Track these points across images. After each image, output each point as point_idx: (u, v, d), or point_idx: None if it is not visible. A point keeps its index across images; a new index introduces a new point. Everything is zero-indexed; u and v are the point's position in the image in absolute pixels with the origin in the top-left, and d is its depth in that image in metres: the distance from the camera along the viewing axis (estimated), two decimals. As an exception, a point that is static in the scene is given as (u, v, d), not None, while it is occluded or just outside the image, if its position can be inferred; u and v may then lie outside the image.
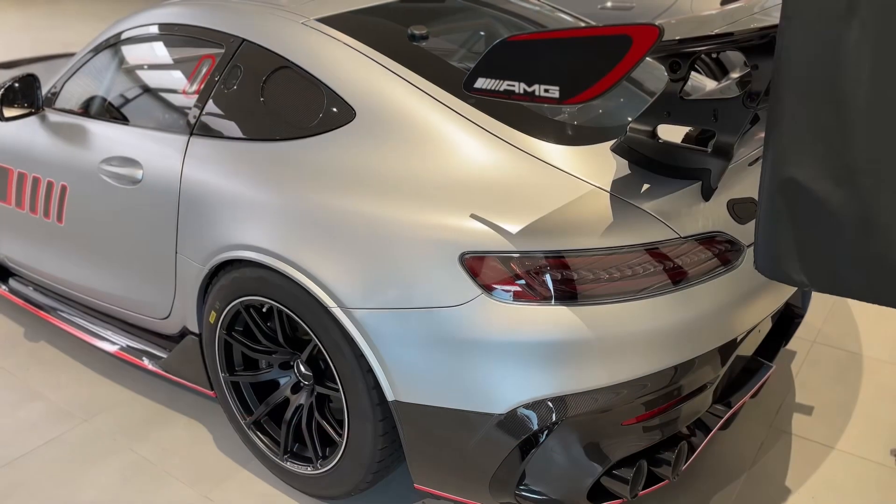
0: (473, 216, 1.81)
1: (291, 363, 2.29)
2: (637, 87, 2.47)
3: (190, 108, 2.41)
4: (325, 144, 2.07)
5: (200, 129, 2.34)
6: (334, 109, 2.10)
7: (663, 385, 1.84)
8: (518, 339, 1.75)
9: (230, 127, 2.30)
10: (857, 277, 1.61)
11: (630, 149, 1.96)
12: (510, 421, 1.80)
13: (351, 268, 1.90)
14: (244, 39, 2.36)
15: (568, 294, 1.75)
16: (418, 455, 1.97)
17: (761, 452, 2.45)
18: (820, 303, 3.33)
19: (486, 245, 1.77)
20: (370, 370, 1.94)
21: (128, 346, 2.75)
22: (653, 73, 2.54)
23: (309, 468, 2.22)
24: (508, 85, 1.54)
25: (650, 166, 1.94)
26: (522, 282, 1.75)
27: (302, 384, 2.29)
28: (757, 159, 2.10)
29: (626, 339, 1.77)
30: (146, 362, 2.66)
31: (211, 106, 2.36)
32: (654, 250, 1.80)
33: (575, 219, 1.81)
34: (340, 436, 2.10)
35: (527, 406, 1.78)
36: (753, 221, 1.96)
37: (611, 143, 1.98)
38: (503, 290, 1.76)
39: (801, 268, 1.68)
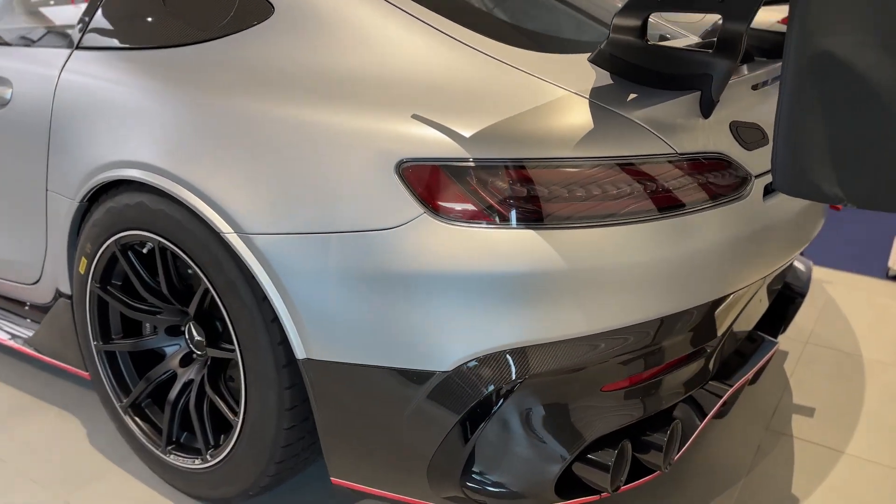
0: (416, 117, 1.38)
1: (182, 327, 1.80)
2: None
3: (76, 20, 1.96)
4: (232, 45, 1.64)
5: (86, 43, 1.90)
6: (248, 6, 1.68)
7: (650, 341, 1.42)
8: (470, 270, 1.31)
9: (121, 35, 1.86)
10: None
11: (613, 57, 1.56)
12: (456, 382, 1.35)
13: (253, 183, 1.45)
14: (147, -63, 1.94)
15: (534, 214, 1.33)
16: (335, 435, 1.50)
17: (759, 456, 2.04)
18: (809, 301, 2.99)
19: (430, 152, 1.34)
20: (275, 319, 1.48)
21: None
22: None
23: (197, 461, 1.72)
24: None
25: (638, 76, 1.54)
26: (477, 198, 1.33)
27: (194, 355, 1.80)
28: (763, 83, 1.74)
29: (605, 275, 1.34)
30: (9, 340, 2.13)
31: (100, 15, 1.91)
32: (642, 165, 1.40)
33: (544, 124, 1.40)
34: (236, 415, 1.61)
35: (479, 361, 1.34)
36: (760, 149, 1.59)
37: (588, 55, 1.59)
38: (452, 207, 1.33)
39: (836, 177, 1.29)
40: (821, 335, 2.73)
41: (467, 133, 1.35)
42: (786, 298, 2.14)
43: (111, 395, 1.86)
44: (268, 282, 1.44)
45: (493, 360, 1.34)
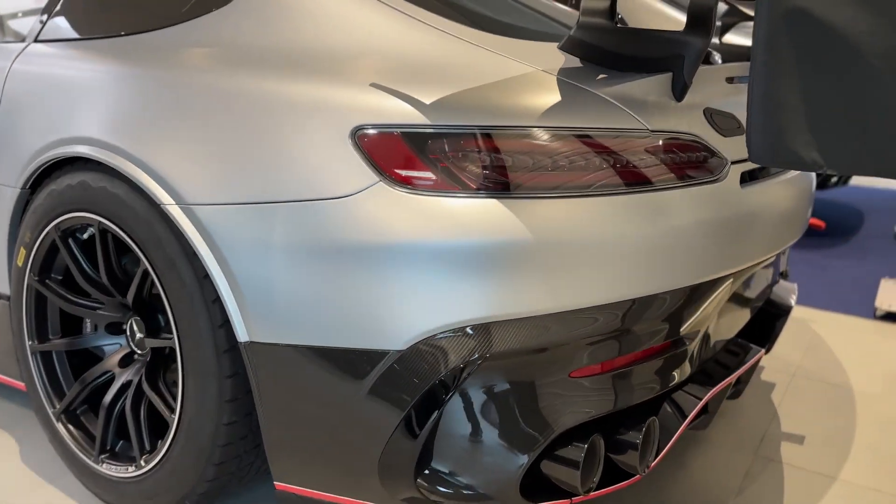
0: (374, 86, 1.31)
1: (124, 325, 1.68)
2: None
3: (36, 15, 1.91)
4: (191, 28, 1.58)
5: (44, 36, 1.84)
6: (206, -9, 1.63)
7: (621, 325, 1.31)
8: (428, 240, 1.22)
9: (79, 26, 1.80)
10: (893, 145, 1.16)
11: (583, 42, 1.51)
12: (410, 363, 1.23)
13: (197, 153, 1.36)
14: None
15: (497, 184, 1.24)
16: (280, 431, 1.36)
17: (748, 481, 1.89)
18: (794, 338, 2.88)
19: (388, 119, 1.26)
20: (216, 299, 1.36)
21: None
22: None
23: (130, 468, 1.56)
24: None
25: (608, 60, 1.48)
26: (437, 166, 1.24)
27: (135, 355, 1.67)
28: (739, 78, 1.69)
29: (572, 249, 1.25)
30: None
31: (60, 9, 1.86)
32: (612, 139, 1.33)
33: (509, 95, 1.34)
34: (173, 412, 1.47)
35: (436, 338, 1.22)
36: (736, 138, 1.53)
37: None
38: (410, 176, 1.24)
39: (814, 142, 1.22)
40: (808, 368, 2.61)
41: (428, 101, 1.28)
42: (770, 315, 2.04)
43: (44, 400, 1.71)
44: (209, 257, 1.33)
45: (451, 337, 1.22)
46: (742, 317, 1.76)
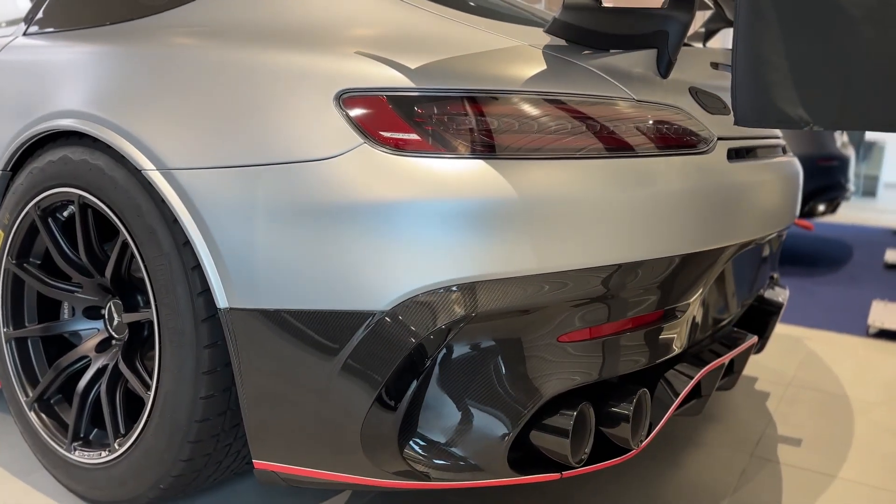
0: (360, 53, 1.31)
1: (102, 309, 1.63)
2: None
3: (27, 9, 1.93)
4: (177, 14, 1.59)
5: (32, 30, 1.84)
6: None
7: (609, 290, 1.28)
8: (411, 200, 1.19)
9: (65, 19, 1.81)
10: (880, 99, 1.16)
11: (568, 25, 1.52)
12: (393, 324, 1.19)
13: (179, 119, 1.35)
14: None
15: (484, 146, 1.23)
16: (259, 404, 1.31)
17: (744, 480, 1.83)
18: (788, 353, 2.85)
19: (373, 82, 1.26)
20: (196, 266, 1.33)
21: None
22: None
23: (104, 453, 1.50)
24: None
25: (594, 41, 1.49)
26: (422, 128, 1.23)
27: (113, 340, 1.62)
28: (724, 65, 1.70)
29: (559, 210, 1.23)
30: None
31: (48, 4, 1.87)
32: (597, 105, 1.32)
33: (495, 63, 1.34)
34: (149, 389, 1.42)
35: (421, 298, 1.19)
36: (722, 116, 1.54)
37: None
38: (394, 138, 1.23)
39: (799, 98, 1.22)
40: (803, 379, 2.57)
41: (413, 65, 1.28)
42: (762, 312, 2.02)
43: (17, 389, 1.65)
44: (189, 222, 1.30)
45: (436, 297, 1.19)
46: (733, 305, 1.73)
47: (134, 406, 1.52)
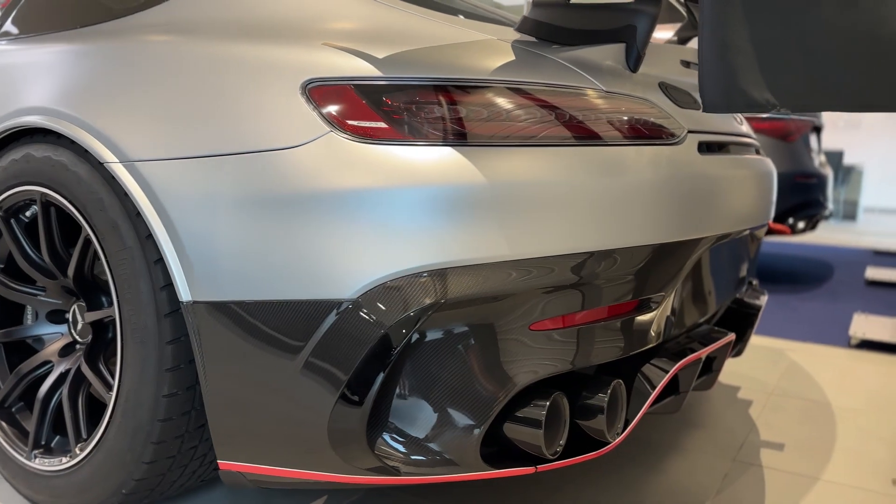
0: (327, 45, 1.30)
1: (66, 313, 1.59)
2: None
3: None
4: (147, 15, 1.58)
5: (1, 37, 1.83)
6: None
7: (580, 277, 1.26)
8: (379, 187, 1.18)
9: (34, 25, 1.80)
10: (843, 79, 1.16)
11: (537, 22, 1.53)
12: (360, 314, 1.17)
13: (142, 111, 1.33)
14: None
15: (453, 133, 1.22)
16: (223, 401, 1.27)
17: (726, 483, 1.80)
18: (771, 364, 2.84)
19: (340, 72, 1.25)
20: (159, 260, 1.30)
21: None
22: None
23: (65, 459, 1.45)
24: None
25: (564, 37, 1.49)
26: (391, 116, 1.22)
27: (77, 344, 1.58)
28: (694, 64, 1.71)
29: (526, 196, 1.21)
30: None
31: (18, 11, 1.87)
32: (566, 95, 1.32)
33: (465, 54, 1.33)
34: (111, 389, 1.37)
35: (388, 285, 1.17)
36: (692, 111, 1.54)
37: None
38: (362, 126, 1.21)
39: (764, 82, 1.22)
40: (786, 388, 2.55)
41: (380, 55, 1.27)
42: (740, 315, 2.00)
43: (-24, 398, 1.60)
44: (152, 214, 1.27)
45: (404, 284, 1.17)
46: (711, 303, 1.72)
47: (97, 411, 1.47)
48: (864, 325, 3.27)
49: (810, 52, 1.17)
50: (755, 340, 3.17)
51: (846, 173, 10.52)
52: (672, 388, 1.56)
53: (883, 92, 1.12)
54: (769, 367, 2.79)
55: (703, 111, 1.29)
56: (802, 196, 4.49)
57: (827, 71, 1.17)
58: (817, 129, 4.94)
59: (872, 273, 4.93)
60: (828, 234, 8.10)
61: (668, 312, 1.48)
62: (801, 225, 4.52)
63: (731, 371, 2.70)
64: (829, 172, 4.94)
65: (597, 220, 1.27)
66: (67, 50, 1.53)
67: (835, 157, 9.97)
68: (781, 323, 3.53)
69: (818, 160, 4.82)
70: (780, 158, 4.42)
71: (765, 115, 4.53)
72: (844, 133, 11.91)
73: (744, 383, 2.57)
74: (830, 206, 4.99)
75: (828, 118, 11.52)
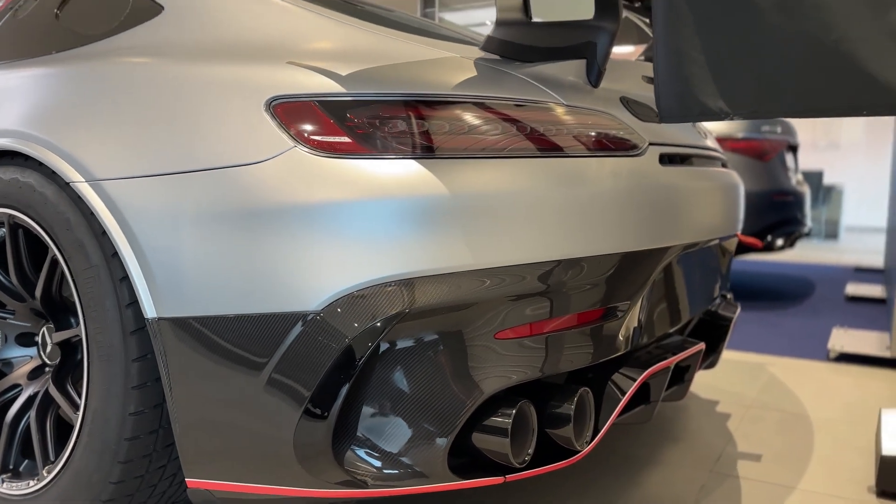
0: (291, 63, 1.33)
1: (36, 336, 1.59)
2: None
3: None
4: (116, 41, 1.60)
5: (-26, 65, 1.85)
6: (138, 9, 1.67)
7: (545, 286, 1.27)
8: (343, 200, 1.19)
9: (9, 51, 1.82)
10: (792, 85, 1.20)
11: (501, 40, 1.57)
12: (324, 326, 1.17)
13: (108, 130, 1.35)
14: (51, -28, 1.98)
15: (416, 147, 1.23)
16: (190, 417, 1.27)
17: (703, 493, 1.80)
18: (750, 378, 2.85)
19: (304, 89, 1.27)
20: (125, 277, 1.30)
21: None
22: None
23: (32, 482, 1.43)
24: None
25: (527, 55, 1.53)
26: (354, 131, 1.23)
27: (46, 366, 1.57)
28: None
29: (488, 206, 1.23)
30: None
31: (-6, 38, 1.89)
32: (528, 108, 1.35)
33: (428, 71, 1.36)
34: (78, 409, 1.37)
35: (353, 296, 1.17)
36: (654, 125, 1.57)
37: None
38: (326, 141, 1.23)
39: (717, 90, 1.25)
40: (764, 401, 2.56)
41: (344, 72, 1.30)
42: (713, 326, 2.02)
43: (-57, 424, 1.58)
44: (117, 232, 1.28)
45: (367, 295, 1.17)
46: (681, 314, 1.73)
47: (66, 434, 1.46)
48: (843, 339, 3.30)
49: (758, 60, 1.21)
50: (735, 356, 3.19)
51: (826, 193, 10.65)
52: (643, 397, 1.57)
53: (828, 96, 1.15)
54: (748, 382, 2.80)
55: (660, 121, 1.32)
56: (780, 214, 4.54)
57: (775, 78, 1.20)
58: (793, 148, 5.02)
59: (852, 289, 4.97)
60: (810, 253, 8.18)
61: (636, 321, 1.49)
62: (779, 242, 4.57)
63: (711, 385, 2.72)
64: (806, 190, 5.01)
65: (560, 229, 1.29)
66: (35, 74, 1.55)
67: (815, 177, 10.11)
68: (762, 338, 3.55)
69: (795, 178, 4.89)
70: (756, 177, 4.49)
71: (741, 136, 4.60)
72: (825, 153, 12.10)
73: (723, 397, 2.58)
74: (809, 223, 5.05)
75: (808, 138, 11.74)
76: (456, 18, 8.25)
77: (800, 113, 1.20)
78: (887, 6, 1.13)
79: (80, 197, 1.33)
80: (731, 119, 1.25)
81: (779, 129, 4.72)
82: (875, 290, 4.91)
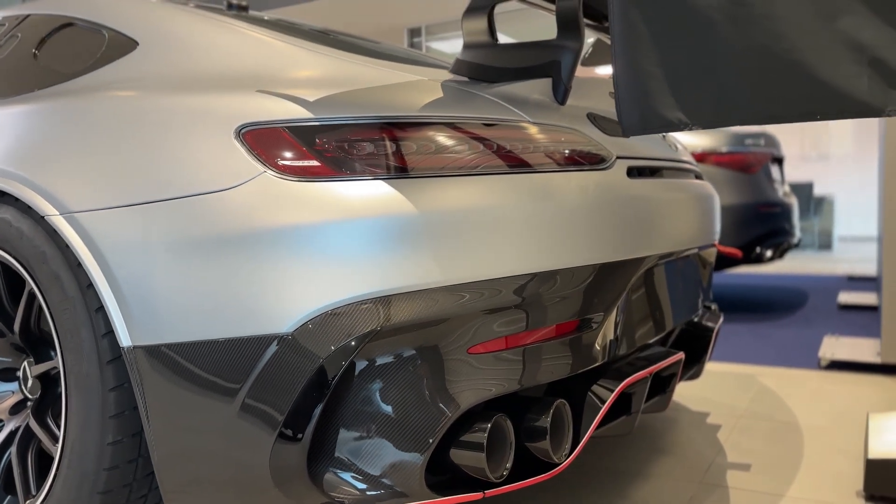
0: (261, 91, 1.36)
1: (17, 371, 1.59)
2: None
3: None
4: (94, 76, 1.64)
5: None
6: (114, 46, 1.71)
7: (517, 300, 1.29)
8: (314, 222, 1.21)
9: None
10: (748, 94, 1.22)
11: (469, 63, 1.60)
12: (296, 348, 1.19)
13: (80, 163, 1.37)
14: (28, 15, 2.02)
15: (385, 168, 1.26)
16: (167, 443, 1.27)
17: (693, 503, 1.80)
18: (741, 388, 2.85)
19: (273, 115, 1.29)
20: (100, 308, 1.32)
21: None
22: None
23: (12, 518, 1.43)
24: None
25: (494, 75, 1.56)
26: (323, 155, 1.26)
27: (28, 400, 1.58)
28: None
29: (463, 220, 1.25)
30: None
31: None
32: (494, 127, 1.37)
33: (396, 94, 1.39)
34: (58, 441, 1.37)
35: (324, 317, 1.19)
36: (621, 139, 1.60)
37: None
38: (296, 165, 1.25)
39: (675, 102, 1.28)
40: (755, 410, 2.56)
41: (312, 98, 1.32)
42: (695, 337, 2.03)
43: (-74, 463, 1.58)
44: (91, 263, 1.30)
45: (339, 314, 1.19)
46: (660, 324, 1.74)
47: (48, 468, 1.46)
48: (834, 347, 3.30)
49: (714, 71, 1.23)
50: (726, 367, 3.19)
51: (818, 204, 10.70)
52: (624, 408, 1.57)
53: (782, 103, 1.18)
54: (739, 392, 2.80)
55: (623, 135, 1.34)
56: (767, 225, 4.57)
57: (730, 88, 1.22)
58: (778, 161, 5.06)
59: (845, 297, 4.98)
60: (804, 264, 8.20)
61: (612, 332, 1.50)
62: (768, 254, 4.59)
63: (701, 397, 2.72)
64: (794, 201, 5.04)
65: (529, 243, 1.30)
66: (11, 112, 1.57)
67: (805, 189, 10.16)
68: (753, 349, 3.55)
69: (782, 190, 4.92)
70: (742, 190, 4.52)
71: (725, 150, 4.64)
72: (815, 165, 12.18)
73: (713, 409, 2.58)
74: (798, 234, 5.07)
75: (797, 151, 11.83)
76: (443, 47, 8.35)
77: (756, 120, 1.23)
78: (835, 15, 1.16)
79: (55, 230, 1.35)
80: (692, 129, 1.27)
81: (762, 142, 4.76)
82: (868, 298, 4.92)
